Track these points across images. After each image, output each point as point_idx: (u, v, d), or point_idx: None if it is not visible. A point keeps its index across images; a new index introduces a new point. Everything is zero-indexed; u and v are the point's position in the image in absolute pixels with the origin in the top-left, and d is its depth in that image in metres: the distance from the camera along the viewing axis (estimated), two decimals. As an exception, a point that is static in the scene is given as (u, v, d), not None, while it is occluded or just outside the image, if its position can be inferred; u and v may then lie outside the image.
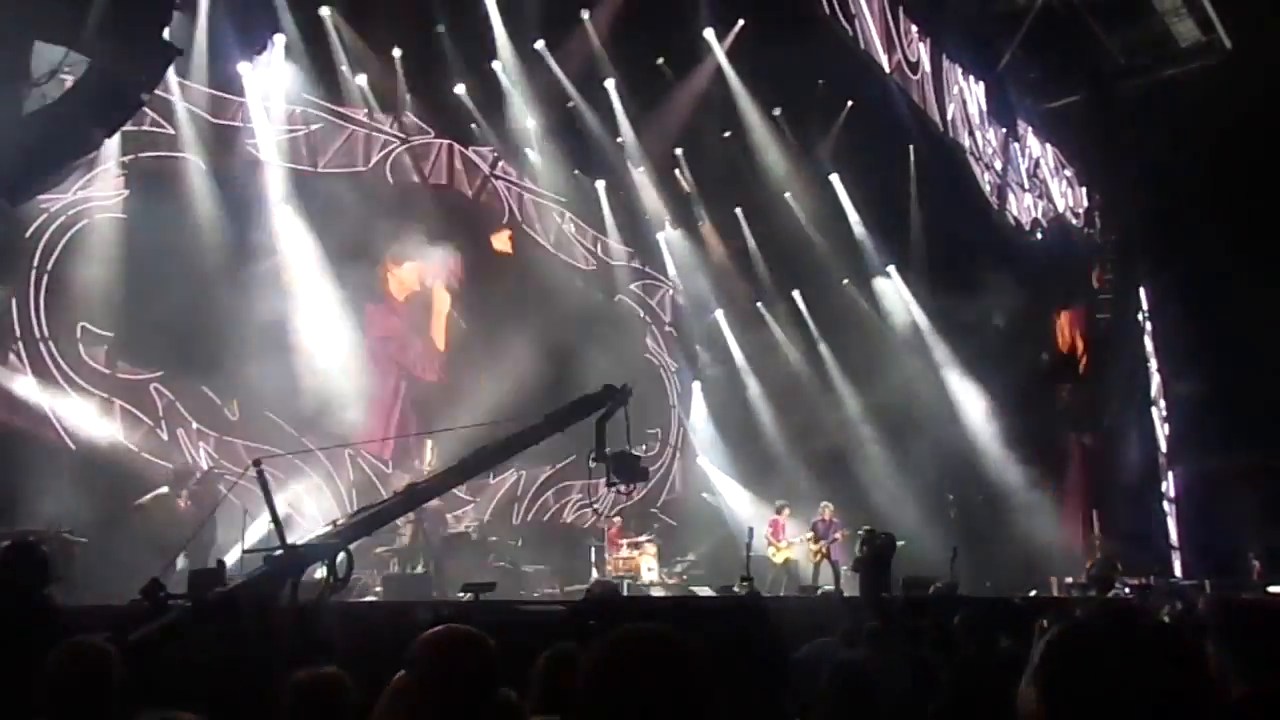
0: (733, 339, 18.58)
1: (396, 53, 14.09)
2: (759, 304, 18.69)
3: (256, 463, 5.68)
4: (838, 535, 14.69)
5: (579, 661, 1.85)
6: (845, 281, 18.86)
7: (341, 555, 5.32)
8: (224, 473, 10.96)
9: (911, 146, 17.95)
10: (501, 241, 15.72)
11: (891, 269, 19.02)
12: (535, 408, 12.82)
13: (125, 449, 11.25)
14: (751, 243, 18.24)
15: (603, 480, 6.68)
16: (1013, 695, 1.80)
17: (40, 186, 9.98)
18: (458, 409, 13.69)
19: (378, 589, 11.06)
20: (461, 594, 8.44)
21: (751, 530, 11.89)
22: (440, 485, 6.30)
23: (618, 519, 14.40)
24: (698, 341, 18.68)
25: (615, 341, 15.89)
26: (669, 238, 17.98)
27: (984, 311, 19.09)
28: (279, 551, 5.16)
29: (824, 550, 14.79)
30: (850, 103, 16.90)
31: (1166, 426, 24.10)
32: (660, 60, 15.70)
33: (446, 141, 15.41)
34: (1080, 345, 22.75)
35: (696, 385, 18.54)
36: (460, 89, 14.85)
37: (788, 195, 17.78)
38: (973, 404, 19.09)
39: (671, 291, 18.57)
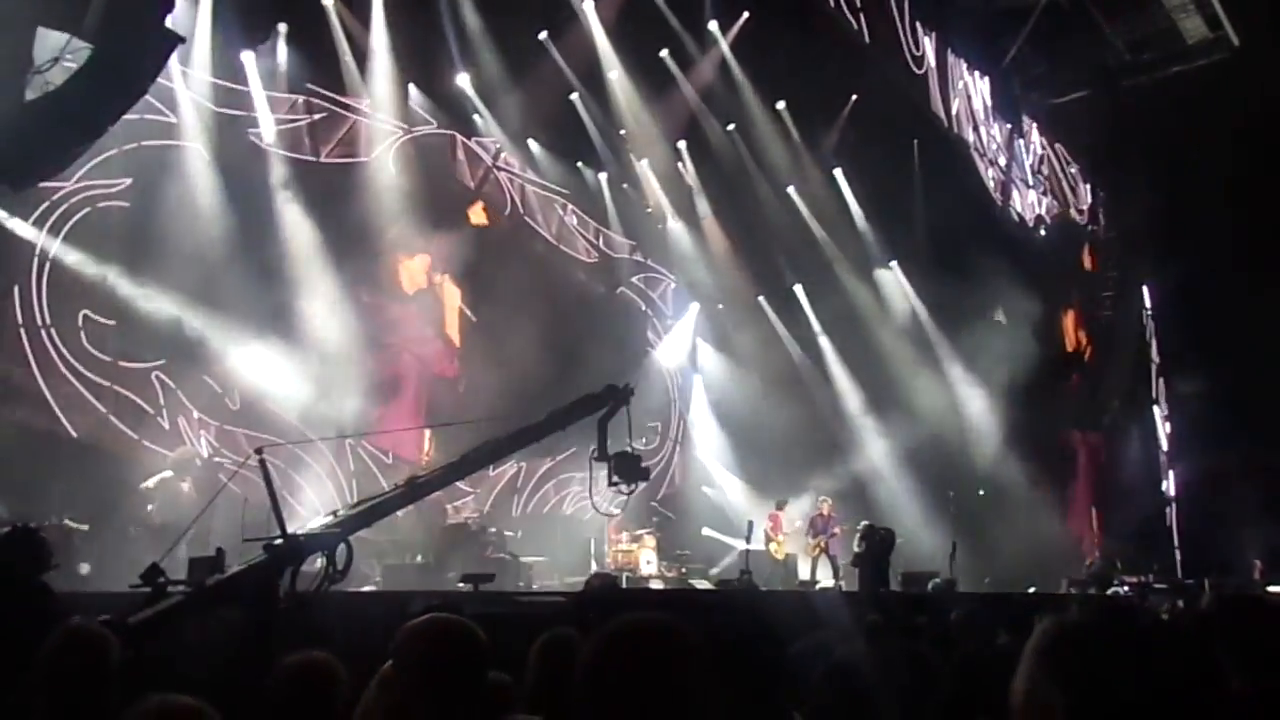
0: (733, 332, 18.58)
1: (399, 42, 14.06)
2: (760, 297, 18.68)
3: (259, 451, 5.69)
4: (836, 530, 14.72)
5: (578, 651, 1.85)
6: (848, 276, 18.85)
7: (341, 546, 5.33)
8: (224, 461, 10.98)
9: (916, 141, 17.92)
10: (477, 215, 15.61)
11: (894, 264, 19.00)
12: (538, 401, 12.83)
13: (127, 437, 11.25)
14: (753, 236, 18.23)
15: (603, 475, 6.69)
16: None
17: (42, 174, 9.98)
18: (463, 401, 13.70)
19: (377, 579, 11.09)
20: (461, 585, 8.46)
21: (751, 524, 11.90)
22: (442, 479, 6.30)
23: (618, 511, 14.39)
24: (698, 334, 18.67)
25: (617, 334, 15.89)
26: (671, 230, 17.96)
27: (986, 307, 19.09)
28: (279, 540, 5.17)
29: (822, 545, 14.80)
30: (854, 97, 16.87)
31: (1168, 424, 24.10)
32: (664, 52, 15.67)
33: (449, 132, 15.38)
34: (1084, 340, 22.74)
35: (697, 379, 18.54)
36: (463, 79, 14.83)
37: (791, 189, 17.76)
38: (974, 400, 19.09)
39: (673, 284, 18.55)
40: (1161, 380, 24.36)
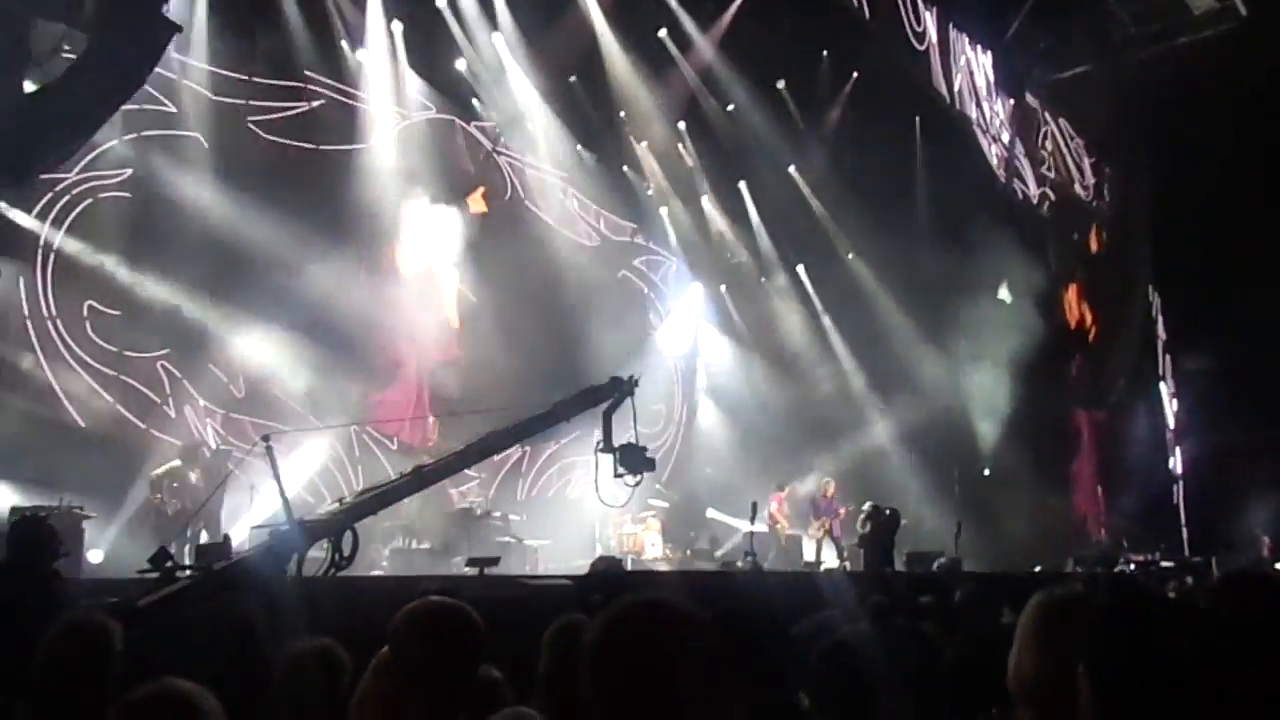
0: (736, 313, 18.56)
1: (397, 28, 14.02)
2: (762, 278, 18.65)
3: (265, 438, 5.73)
4: (841, 511, 14.71)
5: (584, 632, 1.87)
6: (850, 255, 18.80)
7: (347, 533, 5.38)
8: (232, 450, 11.03)
9: (918, 118, 17.82)
10: (476, 203, 15.58)
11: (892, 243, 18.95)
12: (540, 385, 12.92)
13: (134, 426, 11.32)
14: (755, 216, 18.17)
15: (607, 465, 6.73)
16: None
17: (43, 166, 10.00)
18: (465, 385, 13.71)
19: (384, 563, 11.16)
20: (466, 569, 8.51)
21: (755, 506, 11.93)
22: (447, 468, 6.36)
23: (623, 502, 14.42)
24: (701, 316, 18.65)
25: (619, 318, 15.88)
26: (672, 212, 17.91)
27: (990, 284, 19.03)
28: (286, 527, 5.21)
29: (827, 526, 14.82)
30: (855, 74, 16.77)
31: (1175, 402, 24.05)
32: (663, 32, 15.59)
33: (448, 117, 15.34)
34: (1090, 318, 22.66)
35: (699, 360, 18.54)
36: (461, 64, 14.77)
37: (791, 168, 17.69)
38: (978, 378, 19.06)
39: (674, 266, 18.51)
40: (1168, 357, 24.29)
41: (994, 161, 19.79)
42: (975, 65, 19.51)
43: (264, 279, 11.96)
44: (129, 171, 11.55)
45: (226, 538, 5.11)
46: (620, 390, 6.66)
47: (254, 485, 9.89)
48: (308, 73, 13.43)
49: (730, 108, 16.72)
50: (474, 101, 15.21)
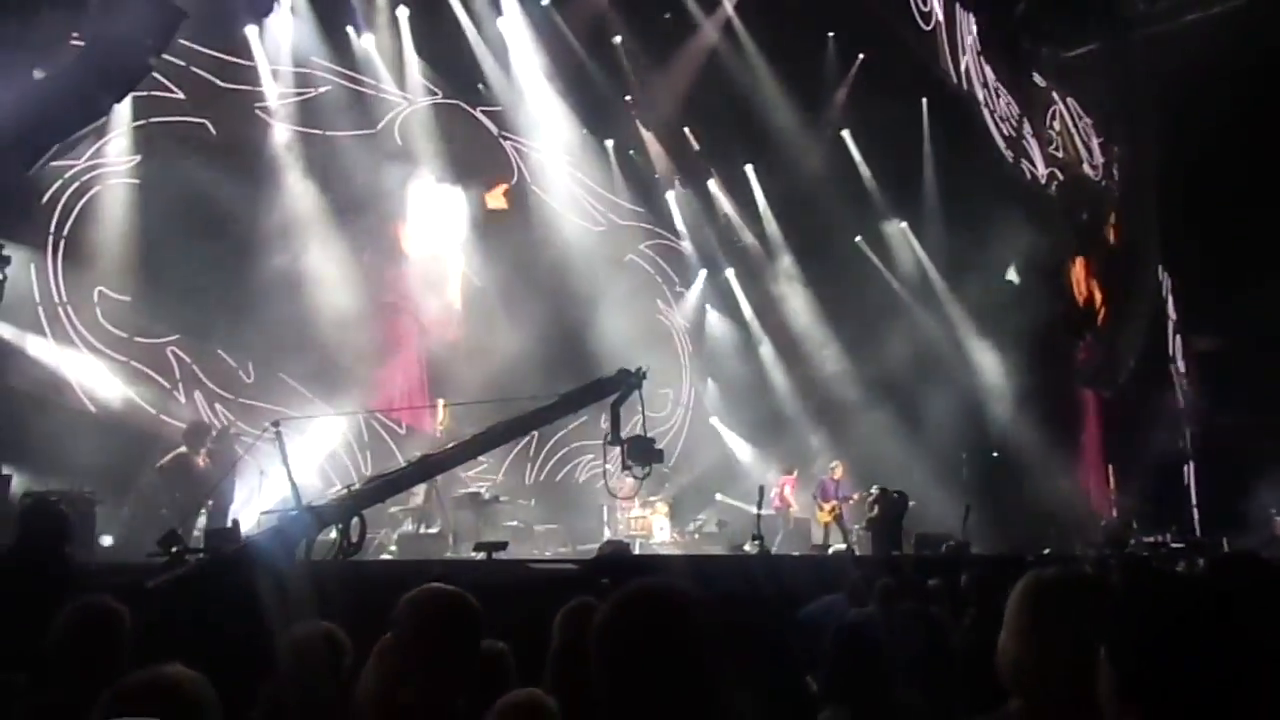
0: (743, 297, 18.54)
1: (403, 13, 13.98)
2: (769, 261, 18.62)
3: (275, 424, 5.77)
4: (853, 497, 14.67)
5: (593, 616, 1.88)
6: (858, 239, 18.75)
7: (355, 519, 5.42)
8: (240, 432, 11.06)
9: (924, 100, 17.71)
10: (496, 199, 15.58)
11: (904, 225, 18.88)
12: (548, 369, 12.94)
13: (144, 411, 11.38)
14: (761, 200, 18.13)
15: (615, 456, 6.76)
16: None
17: (51, 153, 10.01)
18: (473, 369, 13.73)
19: (392, 548, 11.21)
20: (474, 553, 8.54)
21: (762, 489, 11.94)
22: (453, 458, 6.41)
23: (630, 481, 14.45)
24: (707, 301, 18.64)
25: (626, 302, 15.87)
26: (678, 196, 17.87)
27: (998, 265, 18.94)
28: (294, 512, 5.25)
29: (836, 510, 14.83)
30: (861, 56, 16.67)
31: (1185, 382, 23.94)
32: (668, 15, 15.51)
33: (454, 102, 15.31)
34: (1099, 298, 22.54)
35: (707, 345, 18.53)
36: (468, 49, 14.73)
37: (798, 151, 17.62)
38: (986, 360, 19.02)
39: (681, 251, 18.48)
40: (1178, 338, 24.17)
41: (1001, 142, 19.65)
42: (982, 45, 19.33)
43: (271, 263, 11.98)
44: (138, 158, 11.59)
45: (235, 522, 5.14)
46: (628, 383, 6.67)
47: (263, 470, 9.93)
48: (314, 58, 13.42)
49: (737, 90, 16.63)
50: (480, 86, 15.17)
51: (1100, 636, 1.63)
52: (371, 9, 13.65)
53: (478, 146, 15.64)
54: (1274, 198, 18.69)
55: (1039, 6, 19.83)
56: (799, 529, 15.26)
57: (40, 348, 10.71)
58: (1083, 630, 1.91)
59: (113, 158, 11.43)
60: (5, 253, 8.82)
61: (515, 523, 12.66)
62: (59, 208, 10.99)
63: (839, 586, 6.88)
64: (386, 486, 5.81)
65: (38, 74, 9.21)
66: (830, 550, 14.02)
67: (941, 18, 17.88)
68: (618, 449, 6.78)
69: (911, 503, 12.45)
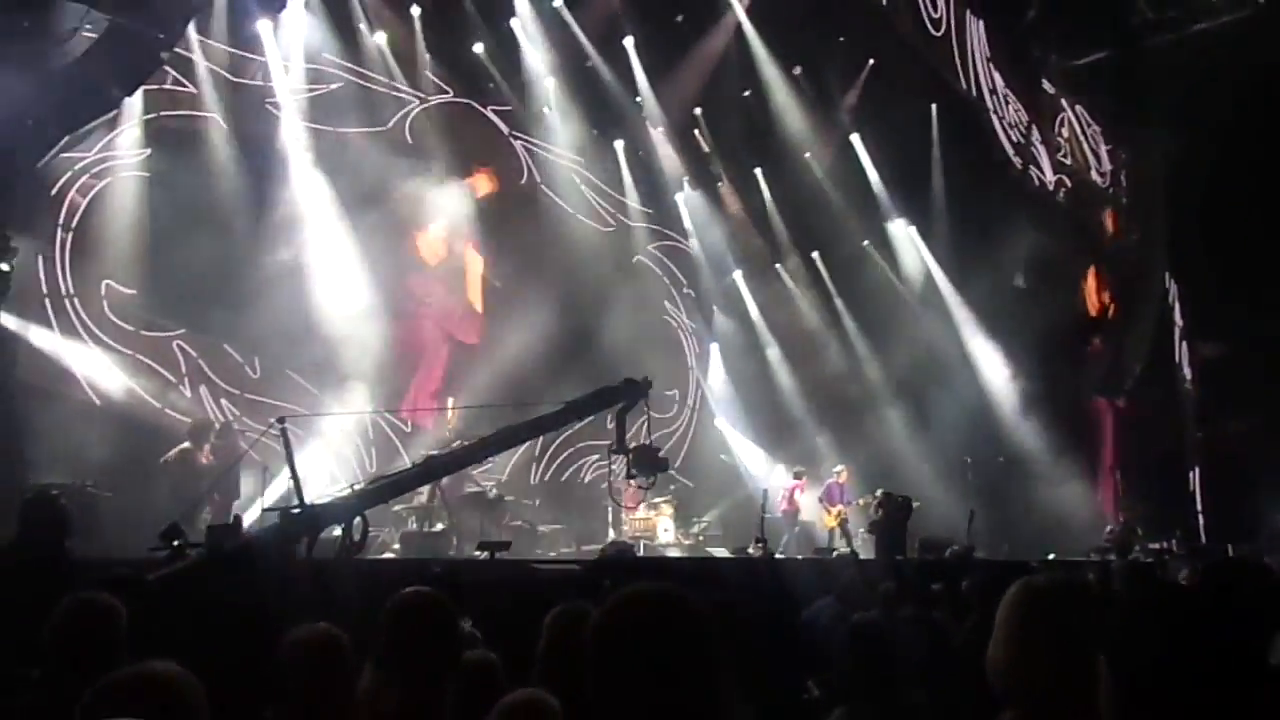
0: (751, 299, 18.52)
1: (415, 11, 14.00)
2: (777, 264, 18.61)
3: (280, 420, 5.77)
4: (861, 501, 14.64)
5: (589, 619, 1.87)
6: (865, 243, 18.73)
7: (357, 519, 5.41)
8: (243, 428, 11.08)
9: (933, 106, 17.69)
10: (482, 184, 15.53)
11: (913, 229, 18.85)
12: (556, 369, 12.93)
13: (150, 405, 11.39)
14: (770, 203, 18.11)
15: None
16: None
17: (61, 145, 10.04)
18: (482, 367, 13.73)
19: (396, 546, 11.21)
20: (477, 552, 8.54)
21: (766, 492, 11.92)
22: (458, 461, 6.41)
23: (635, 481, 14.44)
24: (715, 302, 18.63)
25: (634, 303, 15.87)
26: (688, 198, 17.87)
27: (1006, 271, 18.90)
28: (297, 510, 5.25)
29: (842, 515, 14.80)
30: (871, 61, 16.65)
31: (1191, 389, 23.86)
32: (680, 18, 15.51)
33: (465, 101, 15.32)
34: (1107, 306, 22.50)
35: (714, 346, 18.53)
36: (479, 48, 14.75)
37: (807, 155, 17.61)
38: (993, 365, 18.99)
39: (689, 252, 18.48)
40: (1185, 344, 24.09)
41: (1010, 149, 19.60)
42: (991, 52, 19.28)
43: (280, 259, 12.00)
44: (148, 152, 11.60)
45: (238, 519, 5.14)
46: (634, 392, 6.67)
47: (267, 467, 9.95)
48: (326, 55, 13.44)
49: (746, 94, 16.62)
50: (490, 86, 15.19)
51: (1090, 643, 1.63)
52: (384, 6, 13.66)
53: (488, 145, 15.65)
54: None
55: (1048, 15, 19.79)
56: (806, 532, 15.25)
57: (46, 339, 10.72)
58: (1071, 637, 1.90)
59: (123, 150, 11.43)
60: (12, 244, 8.85)
61: (520, 522, 12.66)
62: (68, 200, 11.00)
63: (842, 589, 6.87)
64: (390, 487, 5.82)
65: (49, 66, 9.24)
66: (834, 554, 14.01)
67: (951, 24, 17.83)
68: (623, 457, 6.77)
69: (916, 503, 12.40)
